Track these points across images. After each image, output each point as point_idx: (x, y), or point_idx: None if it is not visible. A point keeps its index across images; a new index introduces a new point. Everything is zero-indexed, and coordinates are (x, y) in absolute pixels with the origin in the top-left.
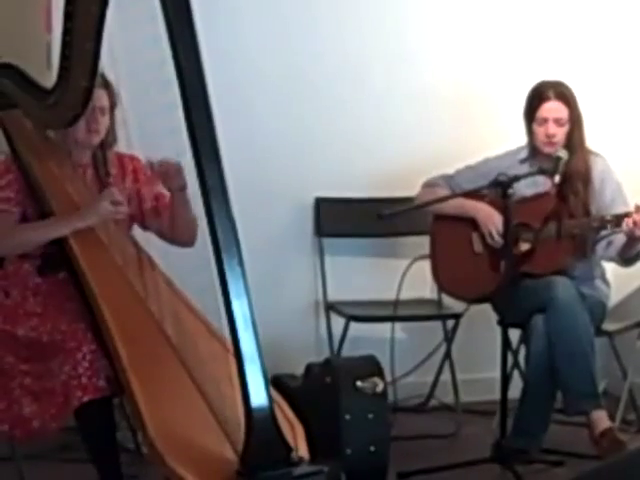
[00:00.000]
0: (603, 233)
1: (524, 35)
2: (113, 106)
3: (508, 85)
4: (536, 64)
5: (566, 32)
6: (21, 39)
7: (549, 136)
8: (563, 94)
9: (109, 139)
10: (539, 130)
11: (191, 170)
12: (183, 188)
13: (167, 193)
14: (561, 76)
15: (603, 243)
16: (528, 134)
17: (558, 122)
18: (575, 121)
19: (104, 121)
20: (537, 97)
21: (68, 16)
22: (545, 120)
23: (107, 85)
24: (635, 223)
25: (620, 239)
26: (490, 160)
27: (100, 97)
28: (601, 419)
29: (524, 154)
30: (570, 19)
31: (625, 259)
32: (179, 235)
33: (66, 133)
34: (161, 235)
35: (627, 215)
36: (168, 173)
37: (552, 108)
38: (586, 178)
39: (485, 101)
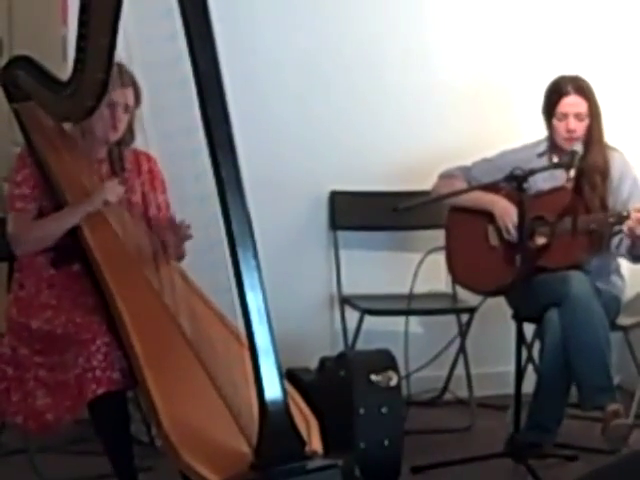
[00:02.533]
0: (617, 229)
1: (540, 30)
2: (136, 105)
3: (524, 79)
4: (552, 58)
5: (581, 26)
6: (37, 32)
7: (570, 131)
8: (582, 88)
9: (127, 137)
10: (559, 125)
11: (207, 165)
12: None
13: (167, 204)
14: (577, 71)
15: (616, 240)
16: (548, 129)
17: (578, 117)
18: (594, 115)
19: (125, 119)
20: (556, 92)
21: (84, 9)
22: (565, 115)
23: (134, 84)
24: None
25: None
26: (507, 153)
27: (126, 95)
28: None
29: (542, 148)
30: (585, 13)
31: (634, 256)
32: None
33: (84, 127)
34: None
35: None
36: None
37: (572, 103)
38: (604, 172)
39: (501, 95)
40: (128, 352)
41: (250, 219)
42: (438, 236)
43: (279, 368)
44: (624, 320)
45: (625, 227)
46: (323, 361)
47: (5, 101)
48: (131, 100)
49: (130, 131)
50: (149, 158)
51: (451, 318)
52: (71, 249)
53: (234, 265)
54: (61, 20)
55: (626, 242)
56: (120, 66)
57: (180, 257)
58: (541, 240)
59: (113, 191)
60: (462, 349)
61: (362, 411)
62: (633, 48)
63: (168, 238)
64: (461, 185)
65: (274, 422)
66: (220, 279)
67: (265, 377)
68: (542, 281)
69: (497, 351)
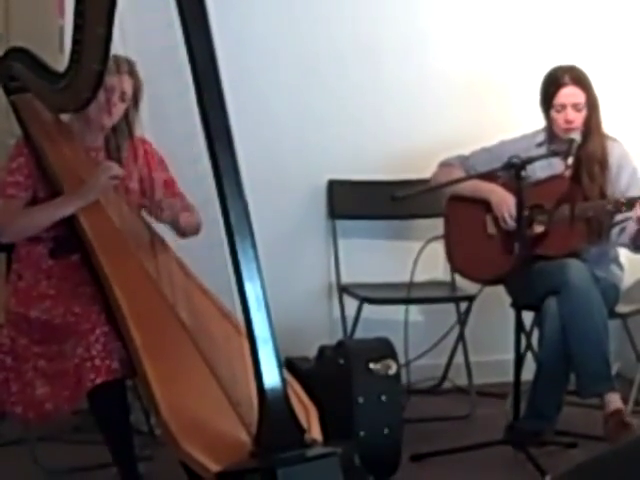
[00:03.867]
0: (617, 218)
1: (536, 20)
2: (136, 99)
3: (521, 69)
4: (548, 48)
5: (578, 16)
6: (34, 23)
7: (568, 122)
8: (579, 79)
9: (124, 129)
10: (558, 117)
11: (203, 153)
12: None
13: (173, 180)
14: (574, 61)
15: (617, 229)
16: (546, 120)
17: (576, 107)
18: (592, 105)
19: (120, 106)
20: (553, 83)
21: (79, 0)
22: (563, 106)
23: (133, 74)
24: None
25: (633, 226)
26: (506, 143)
27: (124, 82)
28: (614, 401)
29: (541, 138)
30: (581, 2)
31: (637, 246)
32: (183, 231)
33: (79, 114)
34: (166, 223)
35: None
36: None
37: (570, 93)
38: (603, 162)
39: (499, 84)
40: (127, 342)
41: (248, 209)
42: (437, 225)
43: (278, 357)
44: (623, 308)
45: (634, 213)
46: (322, 350)
47: (2, 93)
48: (128, 88)
49: (127, 124)
50: (144, 142)
51: (450, 306)
52: (70, 240)
53: (232, 254)
54: (58, 11)
55: (630, 230)
56: (118, 57)
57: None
58: (539, 228)
59: (105, 177)
60: (461, 337)
61: (361, 400)
62: (629, 37)
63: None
64: (459, 174)
65: (273, 410)
66: (218, 269)
67: (264, 365)
68: (540, 269)
69: (496, 339)
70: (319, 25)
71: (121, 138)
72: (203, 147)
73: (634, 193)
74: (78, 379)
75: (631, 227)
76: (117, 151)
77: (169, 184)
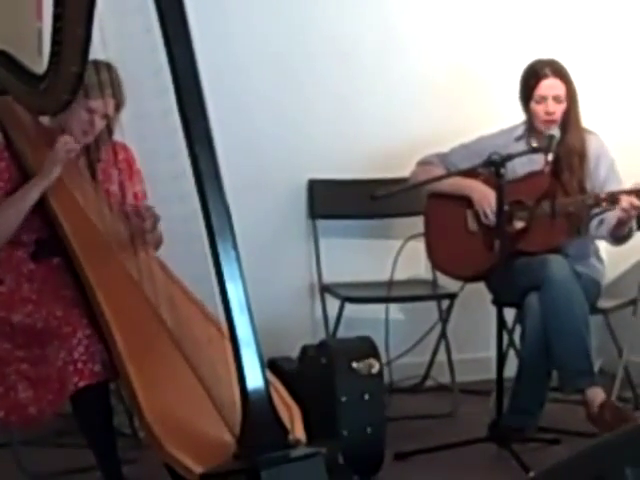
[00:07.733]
0: (595, 211)
1: (514, 16)
2: (118, 107)
3: (499, 66)
4: (526, 44)
5: (556, 11)
6: (12, 26)
7: (549, 113)
8: (560, 71)
9: (104, 135)
10: (538, 108)
11: (186, 161)
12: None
13: (143, 193)
14: (552, 56)
15: (595, 222)
16: (526, 113)
17: (557, 99)
18: (572, 98)
19: (101, 124)
20: (534, 75)
21: (58, 2)
22: (544, 98)
23: (117, 94)
24: (632, 204)
25: (612, 218)
26: (485, 138)
27: (107, 105)
28: (597, 395)
29: (519, 132)
30: None
31: (616, 238)
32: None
33: (62, 125)
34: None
35: (622, 193)
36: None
37: (550, 85)
38: (582, 155)
39: (476, 81)
40: (109, 344)
41: (229, 210)
42: (417, 223)
43: (261, 358)
44: (604, 303)
45: (623, 204)
46: (305, 350)
47: None
48: (111, 110)
49: (108, 127)
50: (125, 148)
51: (432, 304)
52: (51, 242)
53: (214, 256)
54: (36, 14)
55: (609, 223)
56: (102, 80)
57: (158, 243)
58: (520, 224)
59: (62, 151)
60: (443, 335)
61: (344, 399)
62: (607, 32)
63: (142, 225)
64: (439, 172)
65: (256, 411)
66: (200, 271)
67: (247, 367)
68: (522, 265)
69: (478, 336)
70: (297, 26)
71: (101, 141)
72: (184, 150)
73: (612, 185)
74: (61, 383)
75: (610, 219)
76: (97, 152)
77: (138, 197)
